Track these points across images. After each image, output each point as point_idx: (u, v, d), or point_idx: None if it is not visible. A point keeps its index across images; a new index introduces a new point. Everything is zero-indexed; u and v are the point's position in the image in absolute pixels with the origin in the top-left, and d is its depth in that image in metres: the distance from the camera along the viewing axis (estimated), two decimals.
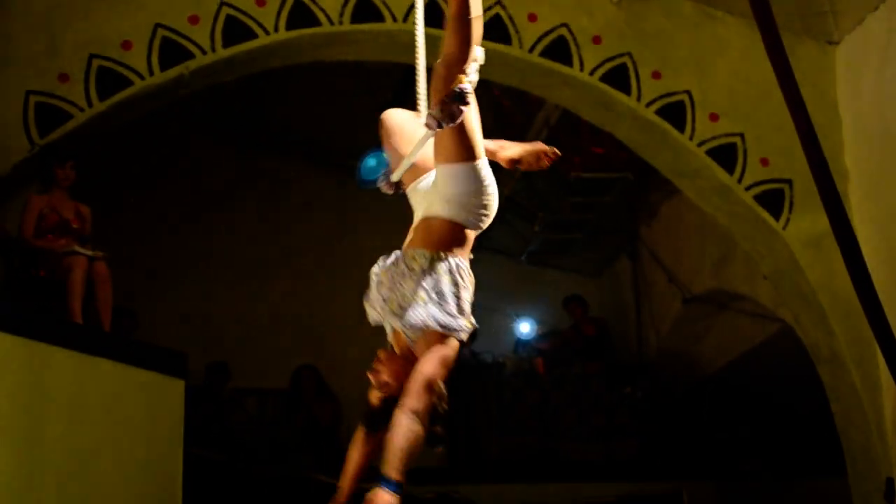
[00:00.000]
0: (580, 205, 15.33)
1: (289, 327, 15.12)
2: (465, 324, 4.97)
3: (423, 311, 4.88)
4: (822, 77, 11.04)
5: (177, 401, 9.05)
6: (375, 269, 5.11)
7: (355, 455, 5.12)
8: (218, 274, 15.12)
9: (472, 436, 14.36)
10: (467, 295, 5.04)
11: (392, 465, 4.58)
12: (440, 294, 4.92)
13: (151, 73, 9.91)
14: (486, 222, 5.22)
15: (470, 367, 14.83)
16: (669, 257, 15.71)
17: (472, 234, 5.22)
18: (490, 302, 15.77)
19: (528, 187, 14.84)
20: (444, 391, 4.91)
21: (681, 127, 10.81)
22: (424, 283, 4.91)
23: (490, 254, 16.69)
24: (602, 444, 14.49)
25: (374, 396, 4.99)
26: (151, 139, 14.65)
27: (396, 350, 5.05)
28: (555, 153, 5.33)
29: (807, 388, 12.30)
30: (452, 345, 4.92)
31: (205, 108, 14.11)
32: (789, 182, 10.81)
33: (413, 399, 4.73)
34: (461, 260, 5.09)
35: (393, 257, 5.07)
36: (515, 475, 13.83)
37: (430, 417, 4.79)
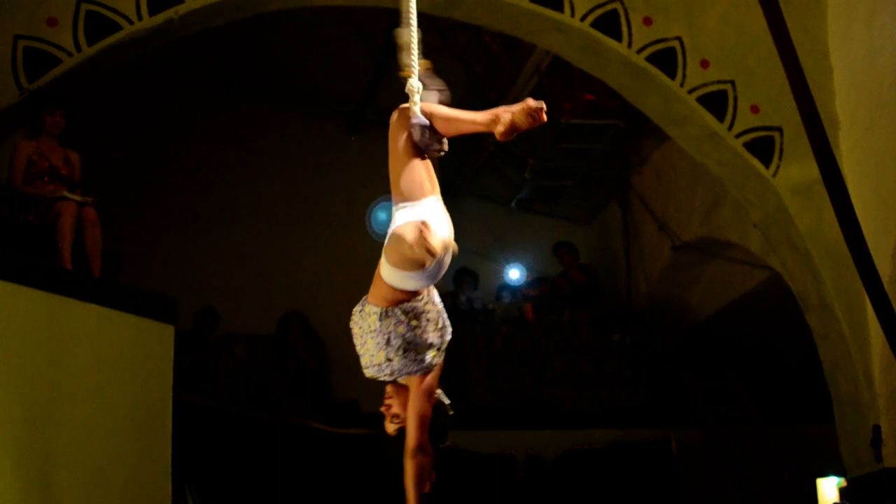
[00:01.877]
0: (571, 152, 15.30)
1: (277, 273, 15.11)
2: (433, 355, 5.20)
3: (389, 369, 5.14)
4: (814, 25, 11.00)
5: (166, 346, 9.06)
6: (353, 322, 5.24)
7: (411, 482, 5.31)
8: (206, 220, 15.09)
9: (461, 382, 14.38)
10: (428, 328, 5.16)
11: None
12: (399, 349, 5.09)
13: (140, 17, 9.86)
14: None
15: (460, 313, 14.85)
16: (659, 205, 15.71)
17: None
18: (480, 248, 15.88)
19: (520, 134, 14.79)
20: (444, 403, 5.42)
21: (671, 73, 10.79)
22: (380, 342, 5.09)
23: (480, 200, 16.71)
24: (591, 391, 14.52)
25: (390, 428, 5.30)
26: (141, 85, 14.61)
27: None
28: (542, 107, 5.33)
29: (795, 336, 12.35)
30: (432, 375, 5.26)
31: (196, 54, 14.07)
32: (779, 130, 10.80)
33: (413, 438, 5.16)
34: (411, 304, 5.13)
35: (360, 307, 5.20)
36: (504, 422, 13.87)
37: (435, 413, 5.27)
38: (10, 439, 7.74)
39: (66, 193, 9.29)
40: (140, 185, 14.74)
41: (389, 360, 5.06)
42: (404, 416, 5.21)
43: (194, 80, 15.34)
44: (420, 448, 5.13)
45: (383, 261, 5.01)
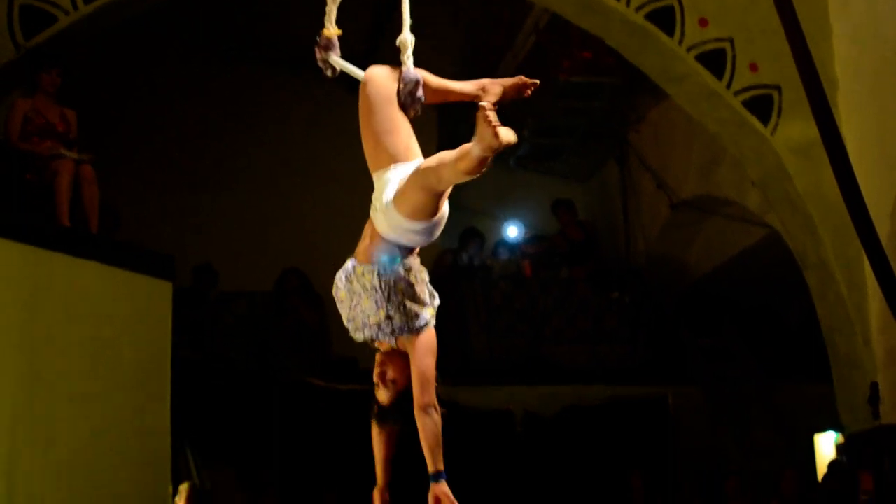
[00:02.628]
0: (569, 110, 15.26)
1: (275, 231, 15.12)
2: (431, 313, 5.11)
3: (390, 327, 5.04)
4: None
5: (165, 303, 9.09)
6: (336, 288, 5.21)
7: (381, 449, 5.34)
8: (205, 178, 15.09)
9: (460, 338, 14.40)
10: (422, 287, 5.12)
11: (435, 461, 5.06)
12: (399, 305, 5.03)
13: None
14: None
15: (459, 269, 14.87)
16: (657, 162, 15.68)
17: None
18: (479, 206, 15.87)
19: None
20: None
21: (670, 31, 10.76)
22: (379, 300, 5.03)
23: None
24: (589, 348, 14.54)
25: (384, 396, 5.16)
26: (140, 45, 14.57)
27: (381, 348, 5.18)
28: (535, 84, 5.31)
29: (793, 294, 12.36)
30: (429, 333, 5.10)
31: (193, 13, 14.01)
32: (778, 88, 10.78)
33: (423, 396, 5.02)
34: (408, 261, 5.11)
35: (345, 273, 5.15)
36: (502, 378, 13.90)
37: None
38: (8, 397, 7.76)
39: (63, 151, 9.29)
40: (139, 142, 14.73)
41: (390, 317, 5.00)
42: (402, 380, 5.12)
43: (192, 40, 15.29)
44: (432, 405, 5.06)
45: (389, 216, 4.96)
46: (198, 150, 15.18)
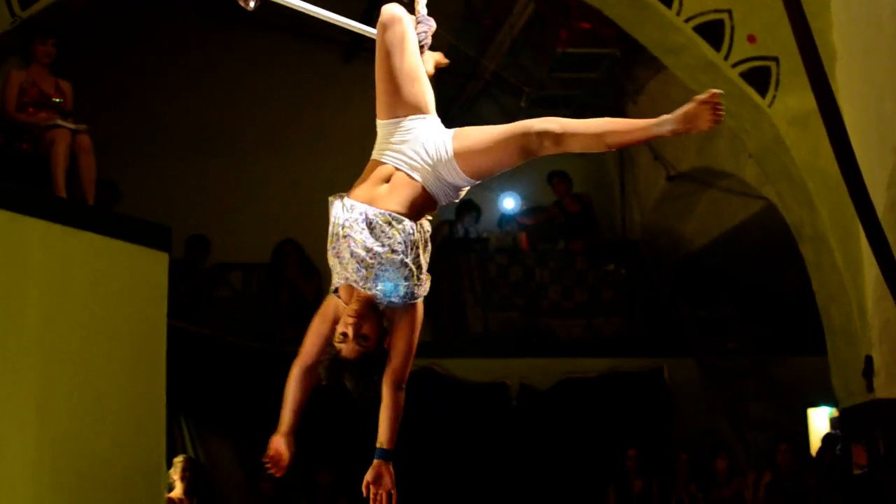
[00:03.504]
0: (567, 81, 15.23)
1: (272, 202, 15.11)
2: (428, 283, 4.87)
3: (405, 288, 4.74)
4: None
5: (161, 274, 9.06)
6: (339, 218, 4.75)
7: (297, 395, 5.08)
8: (201, 149, 15.07)
9: (455, 310, 14.42)
10: (428, 253, 4.89)
11: (391, 439, 4.82)
12: (418, 267, 4.76)
13: None
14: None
15: (454, 241, 14.87)
16: None
17: None
18: None
19: (515, 63, 14.76)
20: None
21: (668, 2, 10.73)
22: (406, 258, 4.69)
23: None
24: (585, 320, 14.57)
25: (349, 350, 4.71)
26: (136, 14, 14.54)
27: (344, 297, 4.83)
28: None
29: (789, 267, 12.36)
30: (420, 306, 4.87)
31: None
32: (776, 59, 10.75)
33: (404, 371, 4.82)
34: (428, 224, 4.92)
35: (361, 213, 4.71)
36: (499, 350, 13.93)
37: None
38: (2, 368, 7.75)
39: (59, 121, 9.27)
40: (133, 112, 14.70)
41: (407, 278, 4.72)
42: (372, 340, 4.70)
43: (188, 9, 15.26)
44: (405, 382, 4.83)
45: (447, 169, 4.74)
46: (192, 120, 15.15)
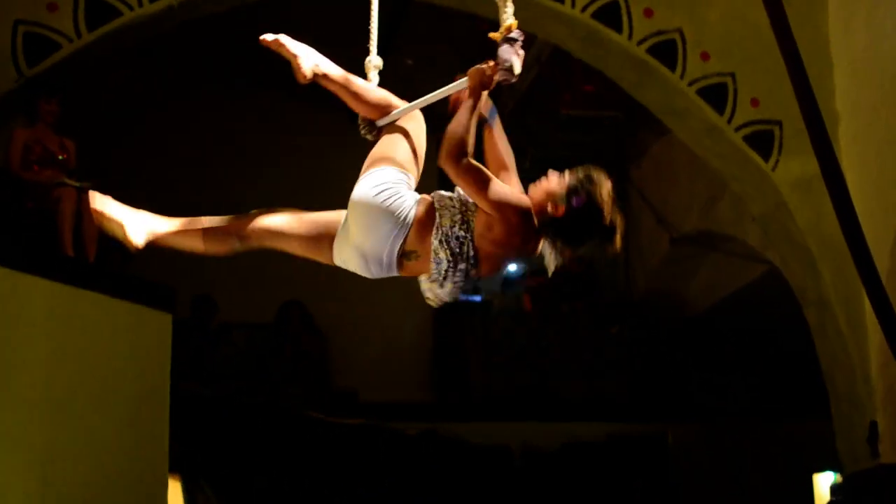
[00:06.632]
0: (570, 142, 15.29)
1: (276, 262, 15.00)
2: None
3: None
4: (815, 18, 10.97)
5: (164, 335, 9.05)
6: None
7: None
8: (206, 209, 14.87)
9: (459, 373, 14.40)
10: None
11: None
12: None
13: (140, 3, 9.85)
14: None
15: (458, 303, 14.86)
16: (658, 197, 15.69)
17: None
18: None
19: (519, 124, 14.83)
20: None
21: (672, 66, 10.77)
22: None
23: None
24: (588, 382, 14.54)
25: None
26: (142, 73, 14.61)
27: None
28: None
29: (793, 330, 12.33)
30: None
31: (196, 42, 14.03)
32: (779, 123, 10.78)
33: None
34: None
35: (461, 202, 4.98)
36: (502, 413, 13.89)
37: None
38: (6, 427, 7.73)
39: (64, 179, 9.30)
40: (140, 171, 14.72)
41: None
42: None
43: (195, 69, 15.33)
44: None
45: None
46: (198, 180, 15.17)
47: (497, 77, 4.94)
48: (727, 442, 14.14)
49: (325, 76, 5.38)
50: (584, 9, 10.65)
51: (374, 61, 5.40)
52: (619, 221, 4.90)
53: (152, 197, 14.42)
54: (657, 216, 15.53)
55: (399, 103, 5.34)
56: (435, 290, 4.97)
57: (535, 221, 4.88)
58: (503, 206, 4.78)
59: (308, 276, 14.73)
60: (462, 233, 4.87)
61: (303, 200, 15.13)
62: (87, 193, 9.18)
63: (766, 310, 14.04)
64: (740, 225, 13.15)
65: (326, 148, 15.50)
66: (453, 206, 4.92)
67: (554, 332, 14.73)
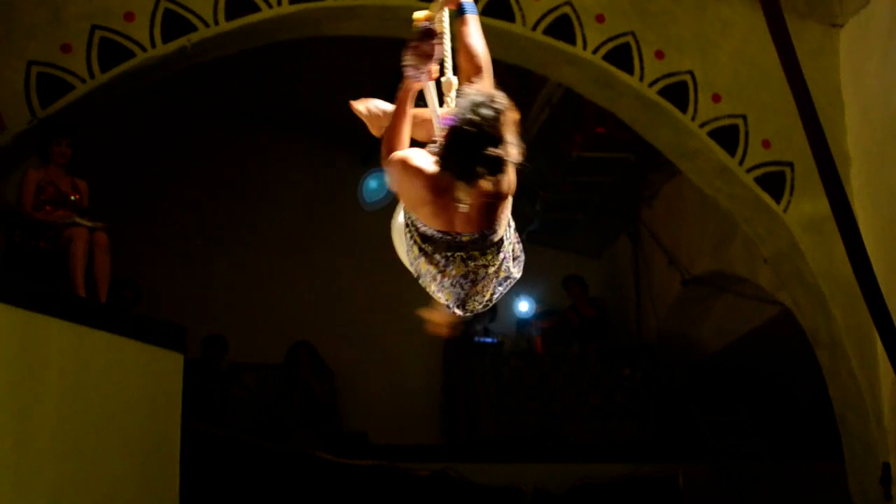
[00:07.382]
0: (582, 185, 15.31)
1: (286, 303, 15.13)
2: None
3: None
4: (826, 60, 11.01)
5: (175, 375, 9.05)
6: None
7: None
8: (217, 249, 15.13)
9: (469, 414, 14.36)
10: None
11: None
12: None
13: (154, 45, 9.90)
14: None
15: (469, 345, 14.84)
16: (669, 239, 15.69)
17: None
18: None
19: (530, 166, 14.82)
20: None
21: (683, 107, 10.79)
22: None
23: None
24: (599, 424, 14.49)
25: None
26: (155, 113, 14.66)
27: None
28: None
29: (805, 373, 12.31)
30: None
31: (209, 82, 14.10)
32: (791, 165, 10.79)
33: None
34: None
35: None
36: (513, 454, 13.84)
37: None
38: (18, 465, 7.72)
39: (77, 219, 9.32)
40: (150, 212, 14.78)
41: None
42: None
43: (207, 109, 15.40)
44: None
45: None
46: (209, 221, 15.23)
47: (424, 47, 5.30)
48: (739, 483, 14.06)
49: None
50: (595, 50, 10.69)
51: (452, 80, 5.42)
52: (510, 135, 5.06)
53: (159, 236, 14.59)
54: (669, 257, 15.52)
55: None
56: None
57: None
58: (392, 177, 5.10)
59: (317, 317, 14.83)
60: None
61: (311, 241, 15.23)
62: (99, 233, 9.25)
63: (778, 351, 14.01)
64: (752, 266, 13.14)
65: (335, 185, 15.54)
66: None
67: (565, 373, 14.69)
